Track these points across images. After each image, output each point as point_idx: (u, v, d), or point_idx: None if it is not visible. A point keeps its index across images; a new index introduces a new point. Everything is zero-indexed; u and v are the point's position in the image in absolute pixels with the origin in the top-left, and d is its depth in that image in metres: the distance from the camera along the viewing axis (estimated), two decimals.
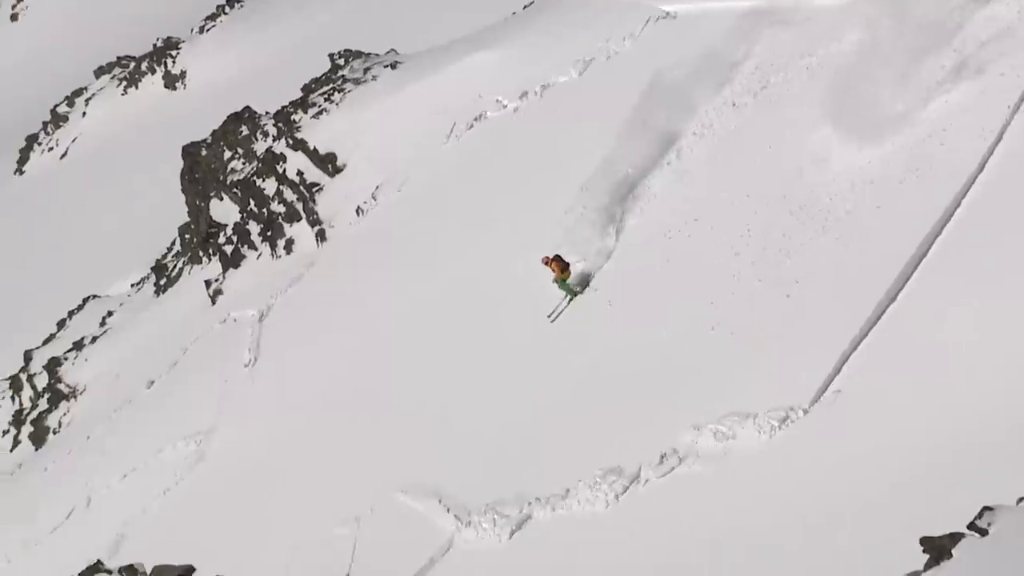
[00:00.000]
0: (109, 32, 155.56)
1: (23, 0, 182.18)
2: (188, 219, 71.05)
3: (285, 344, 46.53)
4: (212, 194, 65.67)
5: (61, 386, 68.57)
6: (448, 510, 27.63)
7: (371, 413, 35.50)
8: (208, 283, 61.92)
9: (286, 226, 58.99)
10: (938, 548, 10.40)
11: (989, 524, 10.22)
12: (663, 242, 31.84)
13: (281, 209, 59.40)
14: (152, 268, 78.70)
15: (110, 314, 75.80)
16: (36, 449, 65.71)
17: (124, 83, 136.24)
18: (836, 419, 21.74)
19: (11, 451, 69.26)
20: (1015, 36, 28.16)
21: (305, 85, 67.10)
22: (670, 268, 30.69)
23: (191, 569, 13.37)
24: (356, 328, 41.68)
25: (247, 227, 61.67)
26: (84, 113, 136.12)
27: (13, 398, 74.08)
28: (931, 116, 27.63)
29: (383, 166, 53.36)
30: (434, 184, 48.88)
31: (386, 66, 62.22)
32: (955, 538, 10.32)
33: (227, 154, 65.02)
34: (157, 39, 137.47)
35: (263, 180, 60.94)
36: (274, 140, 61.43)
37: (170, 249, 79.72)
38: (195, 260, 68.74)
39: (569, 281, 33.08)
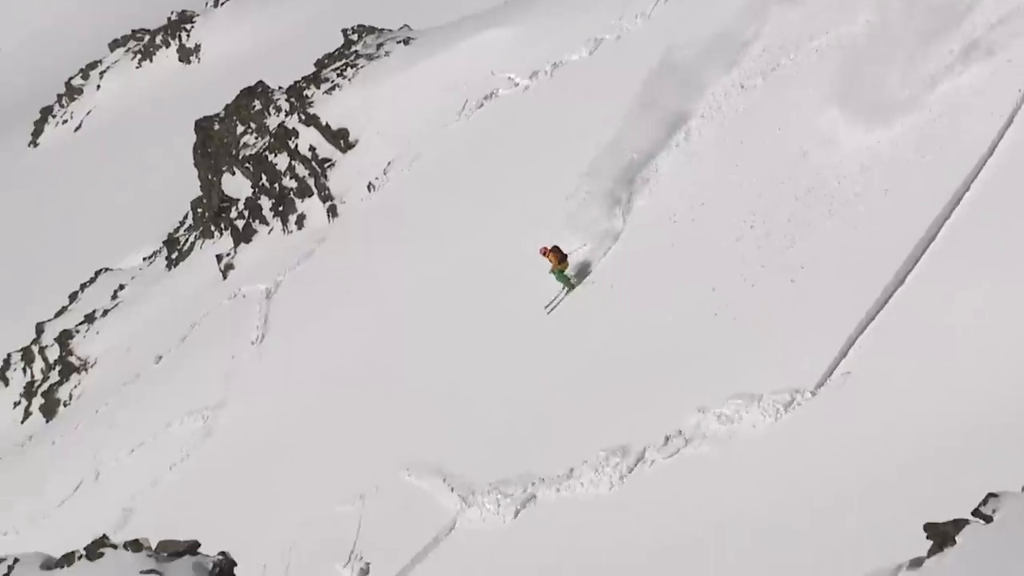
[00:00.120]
0: (124, 5, 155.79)
1: None
2: (201, 193, 71.11)
3: (295, 319, 46.57)
4: (224, 168, 65.74)
5: (72, 359, 68.79)
6: (452, 489, 27.62)
7: (382, 388, 35.54)
8: (219, 257, 61.99)
9: (298, 201, 59.02)
10: (942, 534, 10.34)
11: (994, 511, 10.15)
12: (669, 225, 31.72)
13: (293, 184, 59.43)
14: (164, 242, 78.82)
15: (122, 287, 75.98)
16: (47, 421, 65.96)
17: (139, 56, 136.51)
18: (844, 402, 21.65)
19: (22, 423, 69.52)
20: None
21: (318, 60, 67.12)
22: (676, 251, 30.56)
23: (196, 545, 13.38)
24: (368, 303, 41.70)
25: (259, 202, 61.71)
26: (99, 86, 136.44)
27: (25, 370, 74.37)
28: (941, 98, 27.38)
29: (395, 142, 53.32)
30: (445, 161, 48.86)
31: (399, 42, 62.16)
32: (959, 524, 10.26)
33: (240, 129, 65.09)
34: (172, 12, 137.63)
35: (275, 155, 60.98)
36: (286, 115, 61.43)
37: (182, 223, 79.86)
38: (207, 234, 68.84)
39: (567, 272, 32.84)
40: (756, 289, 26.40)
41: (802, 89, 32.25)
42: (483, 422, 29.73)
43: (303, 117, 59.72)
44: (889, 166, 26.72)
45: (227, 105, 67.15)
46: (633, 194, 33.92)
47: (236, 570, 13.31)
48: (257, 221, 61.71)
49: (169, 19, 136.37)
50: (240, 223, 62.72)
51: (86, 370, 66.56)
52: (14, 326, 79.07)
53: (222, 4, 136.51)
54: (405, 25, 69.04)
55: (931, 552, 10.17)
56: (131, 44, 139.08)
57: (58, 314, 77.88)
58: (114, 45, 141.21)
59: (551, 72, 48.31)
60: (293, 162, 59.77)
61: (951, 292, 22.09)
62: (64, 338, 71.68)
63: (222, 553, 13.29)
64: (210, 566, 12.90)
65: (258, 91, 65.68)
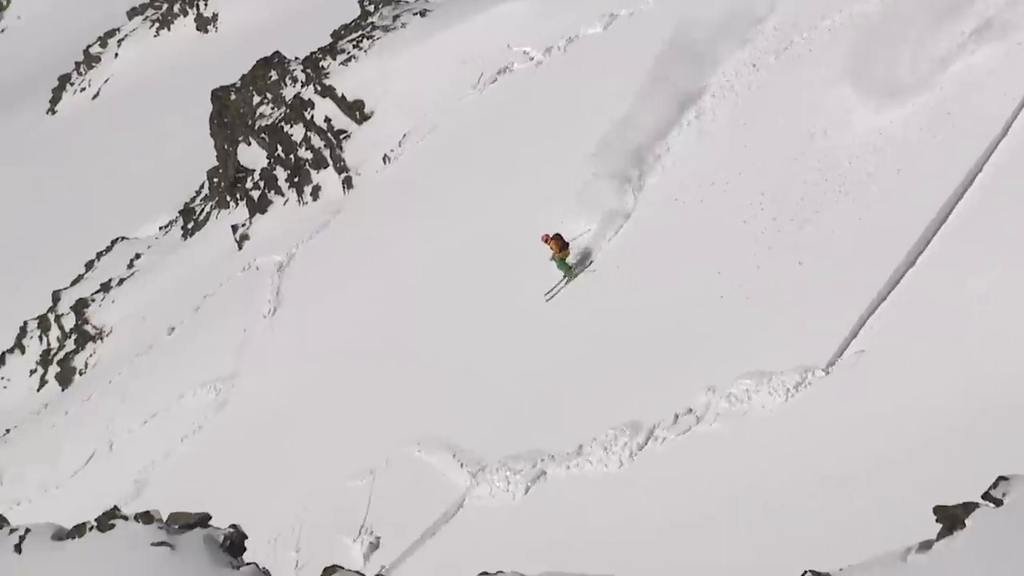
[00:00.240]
0: None
1: None
2: (217, 163, 71.17)
3: (310, 291, 46.64)
4: (240, 139, 65.81)
5: (88, 327, 69.06)
6: (462, 465, 27.67)
7: (396, 361, 35.59)
8: (235, 228, 62.08)
9: (313, 172, 59.04)
10: (951, 517, 10.29)
11: (1004, 494, 10.10)
12: (678, 205, 31.63)
13: (308, 155, 59.42)
14: (180, 211, 78.94)
15: (138, 256, 76.27)
16: (63, 390, 66.27)
17: (156, 25, 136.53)
18: (856, 381, 21.63)
19: (38, 391, 69.88)
20: None
21: (334, 31, 67.03)
22: (684, 232, 30.47)
23: (207, 517, 13.40)
24: (382, 276, 41.72)
25: (274, 173, 61.77)
26: (116, 54, 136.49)
27: (41, 338, 74.72)
28: (954, 78, 27.17)
29: (411, 114, 53.25)
30: (459, 135, 48.79)
31: (415, 14, 61.96)
32: (969, 508, 10.21)
33: (256, 99, 65.06)
34: None
35: (291, 126, 61.00)
36: (302, 86, 61.42)
37: (198, 192, 79.93)
38: (222, 204, 68.97)
39: (569, 260, 32.66)
40: (766, 270, 26.33)
41: (815, 68, 32.08)
42: (494, 397, 29.76)
43: (319, 88, 59.68)
44: (902, 146, 26.59)
45: (243, 75, 67.15)
46: (644, 173, 33.81)
47: (246, 543, 13.34)
48: (272, 192, 61.79)
49: None
50: (255, 194, 62.79)
51: (102, 339, 66.81)
52: (31, 294, 79.39)
53: None
54: None
55: (940, 535, 10.14)
56: (149, 12, 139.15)
57: (74, 282, 78.20)
58: (132, 13, 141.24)
59: (565, 47, 48.17)
60: (309, 133, 59.79)
61: (964, 273, 22.01)
62: (80, 307, 71.97)
63: (233, 526, 13.31)
64: (221, 539, 12.91)
65: (274, 61, 65.66)
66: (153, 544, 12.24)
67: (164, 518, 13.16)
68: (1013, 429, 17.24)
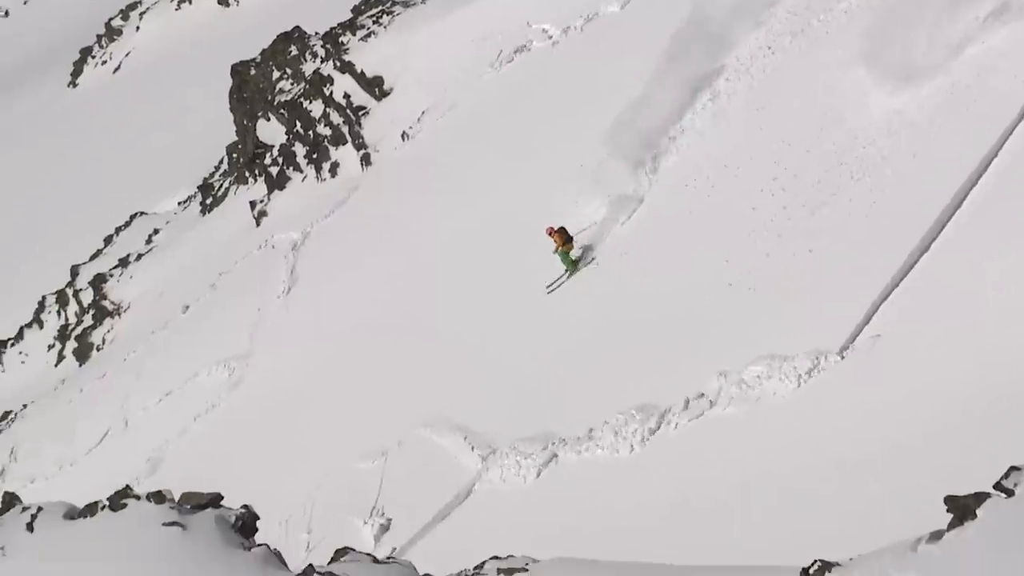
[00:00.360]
0: None
1: None
2: (236, 138, 71.12)
3: (327, 268, 46.65)
4: (260, 114, 65.69)
5: (106, 303, 69.16)
6: (473, 448, 27.72)
7: (415, 338, 35.62)
8: (253, 204, 62.05)
9: (332, 149, 58.94)
10: (962, 508, 10.22)
11: (1016, 484, 10.04)
12: (690, 191, 31.49)
13: (327, 132, 59.32)
14: (199, 187, 78.87)
15: (157, 231, 76.23)
16: (80, 365, 66.41)
17: None
18: (870, 366, 21.59)
19: (55, 366, 70.02)
20: None
21: (355, 6, 66.78)
22: (696, 218, 30.38)
23: (219, 497, 13.39)
24: (400, 253, 41.70)
25: (293, 149, 61.70)
26: (138, 27, 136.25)
27: (59, 313, 74.76)
28: (970, 60, 26.89)
29: (430, 90, 53.11)
30: (477, 112, 48.65)
31: None
32: (980, 498, 10.14)
33: (275, 74, 64.92)
34: None
35: (310, 102, 60.87)
36: (322, 62, 61.25)
37: (217, 168, 79.88)
38: (241, 180, 68.95)
39: (572, 254, 32.55)
40: (775, 257, 26.26)
41: (831, 50, 31.84)
42: (508, 378, 29.77)
43: (338, 64, 59.53)
44: (917, 129, 26.41)
45: (263, 50, 66.95)
46: (659, 155, 33.66)
47: (258, 524, 13.35)
48: (291, 168, 61.73)
49: None
50: (274, 170, 62.75)
51: (119, 314, 66.90)
52: (50, 268, 79.49)
53: None
54: None
55: (951, 525, 10.08)
56: None
57: (93, 257, 78.24)
58: None
59: (582, 27, 48.00)
60: (328, 109, 59.65)
61: (979, 258, 21.93)
62: (98, 282, 72.03)
63: (245, 506, 13.31)
64: (232, 519, 12.91)
65: (294, 36, 65.47)
66: (165, 524, 12.22)
67: (176, 498, 13.16)
68: None
